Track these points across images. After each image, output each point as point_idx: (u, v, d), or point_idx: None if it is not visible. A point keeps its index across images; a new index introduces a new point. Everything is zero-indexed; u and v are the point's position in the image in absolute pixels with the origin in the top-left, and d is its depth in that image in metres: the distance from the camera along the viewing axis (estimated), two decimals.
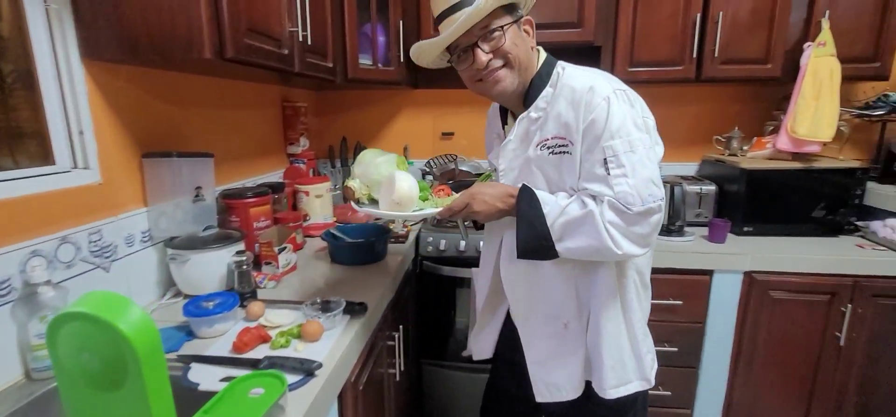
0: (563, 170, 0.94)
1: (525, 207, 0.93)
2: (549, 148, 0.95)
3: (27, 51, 0.93)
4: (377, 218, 0.89)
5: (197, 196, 1.25)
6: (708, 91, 2.11)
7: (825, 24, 1.65)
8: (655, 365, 1.07)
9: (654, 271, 1.60)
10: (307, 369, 0.85)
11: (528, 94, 0.98)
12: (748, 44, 1.73)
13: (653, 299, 1.60)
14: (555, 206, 0.92)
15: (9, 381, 0.83)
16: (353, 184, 1.08)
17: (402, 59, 1.90)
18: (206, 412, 0.66)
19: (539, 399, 1.09)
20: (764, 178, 1.76)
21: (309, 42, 1.34)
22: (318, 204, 1.76)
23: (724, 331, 1.68)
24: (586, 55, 1.98)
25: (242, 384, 0.74)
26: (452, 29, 0.91)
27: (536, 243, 0.92)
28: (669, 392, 1.75)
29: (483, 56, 0.93)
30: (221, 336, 1.00)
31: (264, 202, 1.45)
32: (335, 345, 0.96)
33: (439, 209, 0.99)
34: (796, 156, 1.76)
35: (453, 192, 1.07)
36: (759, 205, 1.78)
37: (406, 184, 0.98)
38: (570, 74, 0.96)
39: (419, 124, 2.32)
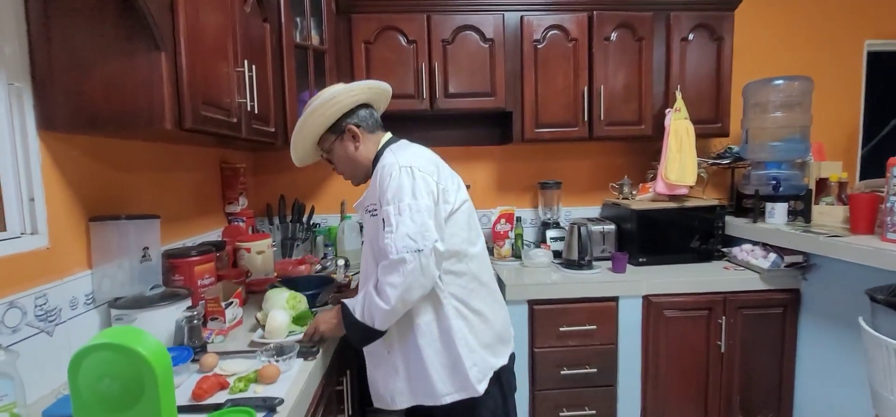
0: (376, 229, 1.22)
1: (345, 316, 1.23)
2: (369, 211, 1.28)
3: None
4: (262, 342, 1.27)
5: (144, 256, 1.28)
6: (601, 146, 2.52)
7: (678, 94, 2.12)
8: (485, 380, 1.24)
9: (570, 301, 1.88)
10: (270, 405, 0.93)
11: (371, 170, 1.30)
12: (625, 110, 2.16)
13: (570, 326, 1.87)
14: (357, 303, 1.21)
15: None
16: (259, 314, 1.40)
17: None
18: None
19: (375, 404, 1.35)
20: (651, 217, 2.13)
21: (255, 111, 1.47)
22: (260, 259, 1.81)
23: (633, 349, 1.95)
24: (501, 119, 2.31)
25: None
26: (294, 157, 1.35)
27: (362, 334, 1.21)
28: (594, 412, 1.96)
29: (331, 167, 1.38)
30: (177, 388, 1.03)
31: (208, 260, 1.50)
32: (292, 385, 1.05)
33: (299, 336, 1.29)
34: (672, 198, 2.16)
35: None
36: (648, 239, 2.13)
37: (276, 321, 1.30)
38: (385, 155, 1.26)
39: None
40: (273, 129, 1.72)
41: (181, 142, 1.60)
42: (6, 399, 0.86)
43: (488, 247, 1.71)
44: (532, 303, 1.90)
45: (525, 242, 2.41)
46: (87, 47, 1.03)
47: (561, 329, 1.91)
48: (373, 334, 1.21)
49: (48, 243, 1.07)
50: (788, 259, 1.92)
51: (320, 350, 1.22)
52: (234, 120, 1.37)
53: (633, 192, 2.31)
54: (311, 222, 2.32)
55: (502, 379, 1.31)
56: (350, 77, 2.10)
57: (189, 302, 1.28)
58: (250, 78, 1.43)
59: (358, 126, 1.29)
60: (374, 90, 1.33)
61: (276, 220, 2.24)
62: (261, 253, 1.82)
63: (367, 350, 1.31)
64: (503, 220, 2.30)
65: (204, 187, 1.91)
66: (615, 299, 1.93)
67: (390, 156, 1.24)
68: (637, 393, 1.98)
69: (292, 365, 1.13)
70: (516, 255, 2.31)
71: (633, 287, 1.93)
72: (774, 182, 2.06)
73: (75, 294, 1.14)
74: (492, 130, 2.47)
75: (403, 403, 1.28)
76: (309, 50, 1.94)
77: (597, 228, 2.21)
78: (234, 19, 1.37)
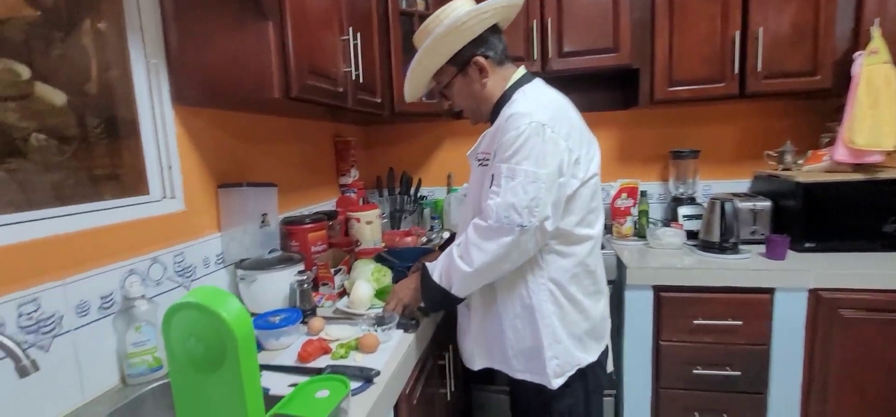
0: (485, 181, 1.08)
1: (423, 279, 1.15)
2: (478, 160, 1.13)
3: (132, 101, 1.08)
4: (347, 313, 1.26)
5: (263, 222, 1.37)
6: (753, 106, 2.07)
7: (876, 31, 1.60)
8: (564, 376, 1.10)
9: (707, 289, 1.59)
10: (367, 376, 0.91)
11: (493, 112, 1.13)
12: (792, 57, 1.71)
13: (707, 319, 1.58)
14: (436, 265, 1.12)
15: (108, 386, 0.94)
16: (347, 282, 1.41)
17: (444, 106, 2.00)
18: (282, 407, 0.72)
19: (465, 363, 1.27)
20: (825, 192, 1.69)
21: (360, 80, 1.46)
22: (369, 230, 1.85)
23: (792, 353, 1.59)
24: (626, 78, 2.02)
25: (309, 386, 0.80)
26: (406, 91, 1.18)
27: (438, 298, 1.11)
28: None
29: (446, 102, 1.20)
30: (286, 348, 1.08)
31: (321, 228, 1.55)
32: (390, 357, 1.01)
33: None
34: (858, 168, 1.68)
35: None
36: (820, 220, 1.70)
37: (359, 292, 1.26)
38: (516, 97, 1.08)
39: (461, 153, 2.40)
40: (379, 100, 1.72)
41: (295, 114, 1.67)
42: (148, 343, 0.96)
43: (606, 225, 1.51)
44: (658, 290, 1.65)
45: (650, 220, 2.12)
46: (208, 23, 1.08)
47: (694, 322, 1.63)
48: (449, 299, 1.10)
49: (184, 206, 1.18)
50: None
51: (420, 323, 1.17)
52: (341, 89, 1.37)
53: (798, 162, 1.86)
54: (419, 195, 2.32)
55: (588, 377, 1.14)
56: None
57: (302, 267, 1.33)
58: (355, 46, 1.42)
59: (486, 57, 1.10)
60: (506, 6, 1.09)
61: (385, 192, 2.28)
62: (370, 223, 1.85)
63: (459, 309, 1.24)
64: (625, 195, 2.04)
65: (319, 159, 2.00)
66: (770, 291, 1.58)
67: (523, 101, 1.04)
68: (796, 407, 1.62)
69: (392, 336, 1.10)
70: (639, 234, 2.03)
71: (797, 277, 1.55)
72: None
73: (207, 254, 1.25)
74: (613, 93, 2.18)
75: (480, 364, 1.20)
76: (415, 16, 1.89)
77: (746, 205, 1.83)
78: None
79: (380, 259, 1.56)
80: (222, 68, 1.09)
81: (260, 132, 1.54)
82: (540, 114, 1.00)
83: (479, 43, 1.09)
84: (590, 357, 1.15)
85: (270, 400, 0.84)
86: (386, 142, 2.48)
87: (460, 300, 1.12)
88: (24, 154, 0.86)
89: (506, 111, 1.04)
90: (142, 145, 1.10)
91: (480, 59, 1.09)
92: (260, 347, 1.08)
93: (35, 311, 0.79)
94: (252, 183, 1.33)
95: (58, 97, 0.93)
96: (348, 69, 1.40)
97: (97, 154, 1.00)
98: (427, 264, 1.15)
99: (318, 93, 1.23)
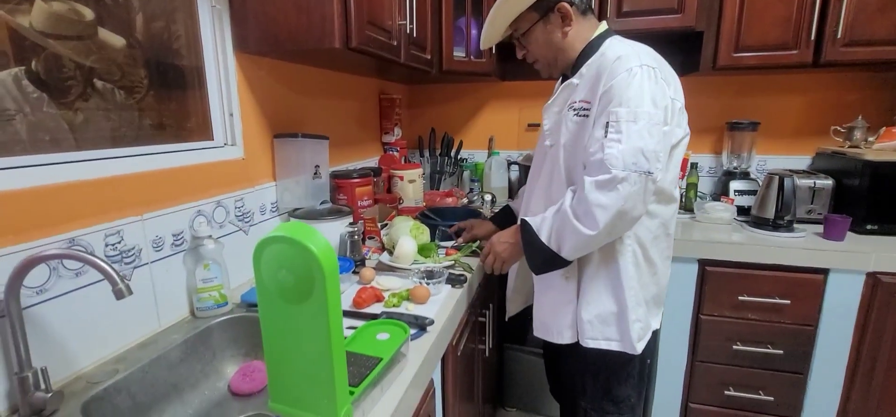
0: (580, 132, 1.02)
1: (525, 236, 1.07)
2: (574, 110, 1.05)
3: (198, 49, 1.11)
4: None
5: (315, 174, 1.40)
6: (825, 77, 1.94)
7: None
8: (644, 339, 1.11)
9: (756, 266, 1.54)
10: (422, 324, 0.94)
11: (577, 63, 1.08)
12: (880, 23, 1.57)
13: (752, 296, 1.55)
14: (544, 223, 1.03)
15: (180, 317, 1.01)
16: (385, 238, 1.43)
17: (493, 51, 1.96)
18: (347, 345, 0.76)
19: (535, 332, 1.23)
20: (893, 172, 1.59)
21: (414, 35, 1.45)
22: (411, 188, 1.87)
23: (840, 336, 1.55)
24: (686, 41, 1.92)
25: (370, 328, 0.84)
26: (483, 37, 1.11)
27: (543, 258, 1.04)
28: (772, 398, 1.64)
29: (520, 51, 1.14)
30: (342, 294, 1.12)
31: (367, 183, 1.58)
32: (441, 308, 1.04)
33: (447, 262, 1.28)
34: None
35: (457, 252, 1.37)
36: (886, 202, 1.60)
37: (405, 247, 1.27)
38: (610, 44, 1.03)
39: (505, 116, 2.37)
40: (429, 56, 1.70)
41: (346, 69, 1.68)
42: (215, 280, 1.02)
43: None
44: (704, 263, 1.62)
45: (699, 193, 2.05)
46: None
47: (739, 298, 1.59)
48: (557, 262, 1.04)
49: (243, 154, 1.22)
50: None
51: (467, 279, 1.19)
52: (395, 43, 1.36)
53: (870, 139, 1.75)
54: (459, 157, 2.32)
55: (651, 344, 1.15)
56: None
57: (351, 219, 1.36)
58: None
59: (571, 4, 1.05)
60: None
61: (426, 153, 2.29)
62: (412, 182, 1.87)
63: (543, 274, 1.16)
64: None
65: (365, 115, 2.01)
66: (823, 272, 1.52)
67: (622, 45, 1.01)
68: (837, 390, 1.59)
69: (441, 290, 1.13)
70: (687, 207, 1.98)
71: (855, 260, 1.49)
72: None
73: (263, 201, 1.29)
74: (672, 57, 2.01)
75: (568, 337, 1.15)
76: None
77: (805, 182, 1.75)
78: None
79: (423, 216, 1.58)
80: (284, 15, 1.10)
81: (313, 85, 1.55)
82: (647, 57, 0.97)
83: None
84: (656, 322, 1.16)
85: None
86: (429, 102, 2.47)
87: (568, 263, 1.05)
88: (102, 95, 0.89)
89: (609, 54, 1.00)
90: (207, 91, 1.14)
91: (566, 5, 1.04)
92: None
93: (118, 242, 0.85)
94: (307, 134, 1.36)
95: (117, 40, 0.96)
96: (403, 22, 1.39)
97: (166, 98, 1.04)
98: (529, 220, 1.07)
99: (375, 44, 1.23)
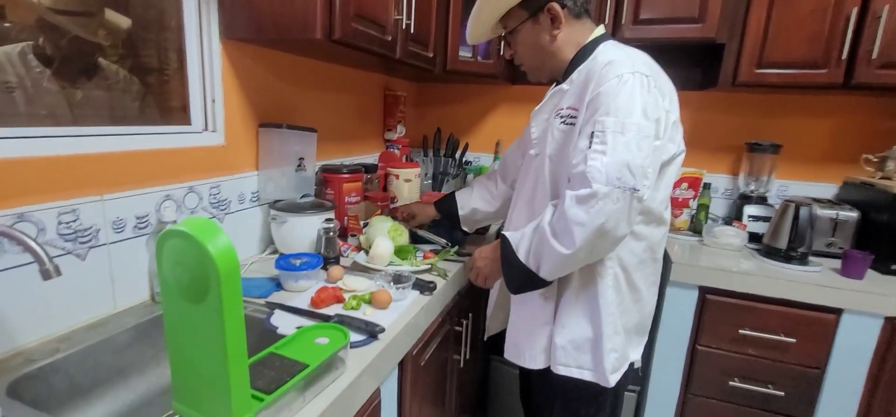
0: (566, 141, 0.96)
1: (503, 252, 1.01)
2: (561, 117, 0.99)
3: (180, 31, 1.11)
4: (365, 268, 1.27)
5: (299, 166, 1.38)
6: (856, 101, 1.79)
7: None
8: (619, 372, 1.03)
9: (761, 299, 1.44)
10: (371, 331, 0.90)
11: (569, 68, 1.02)
12: None
13: (755, 330, 1.44)
14: (523, 240, 0.97)
15: (138, 300, 1.01)
16: (362, 237, 1.41)
17: (502, 53, 1.90)
18: (277, 348, 0.73)
19: (506, 355, 1.16)
20: None
21: (411, 31, 1.41)
22: (407, 188, 1.84)
23: (850, 384, 1.42)
24: (705, 53, 1.81)
25: (310, 332, 0.81)
26: (468, 32, 1.05)
27: (521, 278, 0.98)
28: None
29: (508, 51, 1.07)
30: (304, 291, 1.10)
31: (357, 179, 1.56)
32: (401, 316, 1.01)
33: (424, 266, 1.26)
34: None
35: (435, 256, 1.34)
36: None
37: (380, 248, 1.26)
38: (602, 49, 0.96)
39: (514, 120, 2.31)
40: (431, 54, 1.66)
41: (344, 62, 1.66)
42: None
43: None
44: (705, 291, 1.51)
45: (710, 215, 1.94)
46: None
47: (741, 331, 1.48)
48: (535, 282, 0.97)
49: (224, 141, 1.21)
50: None
51: (437, 288, 1.15)
52: (388, 38, 1.33)
53: None
54: (464, 159, 2.27)
55: (628, 378, 1.08)
56: None
57: (331, 215, 1.34)
58: None
59: (563, 5, 0.98)
60: None
61: (430, 153, 2.25)
62: (408, 181, 1.83)
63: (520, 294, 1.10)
64: (685, 185, 1.87)
65: (367, 111, 2.00)
66: (837, 312, 1.40)
67: (616, 51, 0.94)
68: None
69: (406, 296, 1.09)
70: (695, 229, 1.87)
71: (873, 301, 1.36)
72: None
73: (243, 190, 1.29)
74: (690, 71, 1.97)
75: (541, 362, 1.07)
76: None
77: (826, 213, 1.61)
78: None
79: None
80: (269, 3, 1.08)
81: (308, 76, 1.54)
82: (640, 65, 0.90)
83: None
84: (635, 354, 1.08)
85: (276, 338, 0.87)
86: (437, 101, 2.43)
87: (547, 284, 0.98)
88: (88, 74, 0.90)
89: (600, 59, 0.93)
90: (187, 76, 1.13)
91: (556, 6, 0.98)
92: (280, 287, 1.12)
93: (73, 221, 0.85)
94: (292, 125, 1.34)
95: (123, 22, 0.97)
96: (399, 17, 1.35)
97: (146, 81, 1.04)
98: (508, 235, 1.00)
99: (363, 38, 1.20)
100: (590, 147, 0.86)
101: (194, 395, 0.58)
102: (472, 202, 1.41)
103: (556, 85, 1.09)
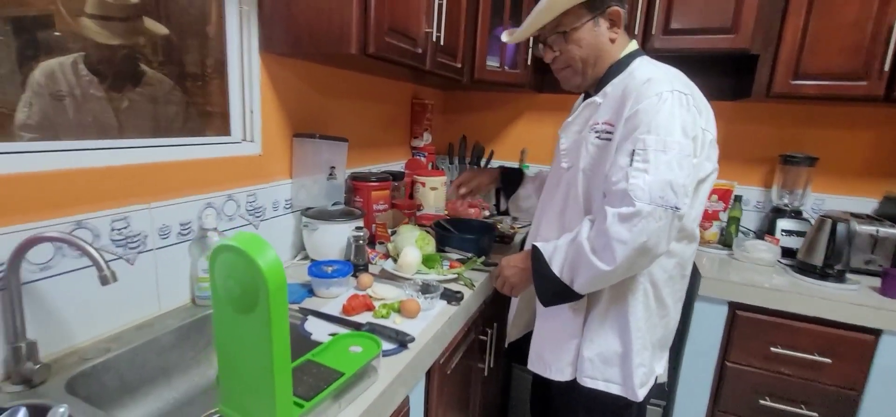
0: (602, 157, 0.96)
1: (535, 263, 1.00)
2: (596, 132, 0.99)
3: (223, 45, 1.16)
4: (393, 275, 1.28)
5: (330, 174, 1.42)
6: None
7: None
8: (647, 386, 1.05)
9: (795, 317, 1.41)
10: (401, 340, 0.93)
11: (602, 80, 1.02)
12: None
13: (787, 349, 1.41)
14: (556, 252, 0.97)
15: (180, 302, 1.06)
16: (390, 246, 1.44)
17: (529, 63, 1.91)
18: (314, 355, 0.76)
19: (529, 365, 1.17)
20: None
21: (441, 43, 1.43)
22: (433, 195, 1.86)
23: (889, 406, 1.37)
24: (738, 63, 1.78)
25: (344, 340, 0.84)
26: (521, 29, 1.01)
27: (553, 290, 0.98)
28: None
29: (549, 54, 1.03)
30: (335, 298, 1.13)
31: (385, 187, 1.59)
32: (429, 325, 1.03)
33: (450, 276, 1.27)
34: None
35: (461, 265, 1.34)
36: None
37: (409, 257, 1.27)
38: (639, 65, 0.96)
39: (540, 129, 2.31)
40: (459, 65, 1.68)
41: (375, 72, 1.70)
42: None
43: None
44: (735, 306, 1.49)
45: (741, 228, 1.90)
46: None
47: (772, 349, 1.45)
48: (567, 295, 0.97)
49: (260, 151, 1.26)
50: None
51: (464, 297, 1.17)
52: (420, 50, 1.36)
53: None
54: (489, 167, 2.28)
55: (652, 392, 1.08)
56: None
57: (361, 223, 1.38)
58: (440, 6, 1.38)
59: (621, 9, 0.99)
60: None
61: (456, 160, 2.27)
62: (434, 189, 1.86)
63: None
64: (715, 197, 1.84)
65: (394, 119, 2.03)
66: (876, 332, 1.36)
67: (653, 68, 0.95)
68: None
69: (434, 305, 1.11)
70: (725, 243, 1.84)
71: None
72: None
73: (277, 198, 1.33)
74: (720, 80, 1.93)
75: (567, 374, 1.08)
76: None
77: (866, 229, 1.56)
78: None
79: (438, 226, 1.57)
80: (306, 18, 1.12)
81: (339, 86, 1.58)
82: (678, 83, 0.91)
83: None
84: (660, 368, 1.09)
85: (310, 344, 0.90)
86: (463, 109, 2.45)
87: (579, 297, 0.98)
88: (133, 83, 0.96)
89: (638, 75, 0.94)
90: (228, 88, 1.19)
91: (618, 10, 0.98)
92: (311, 293, 1.15)
93: (125, 228, 0.91)
94: (324, 135, 1.38)
95: (160, 29, 1.03)
96: (430, 30, 1.38)
97: (188, 91, 1.10)
98: (540, 246, 1.00)
99: (396, 52, 1.23)
100: (631, 164, 0.87)
101: (240, 400, 0.61)
102: (534, 191, 1.38)
103: (586, 97, 1.10)
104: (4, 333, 0.73)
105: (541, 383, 1.24)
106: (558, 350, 1.09)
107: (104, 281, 0.70)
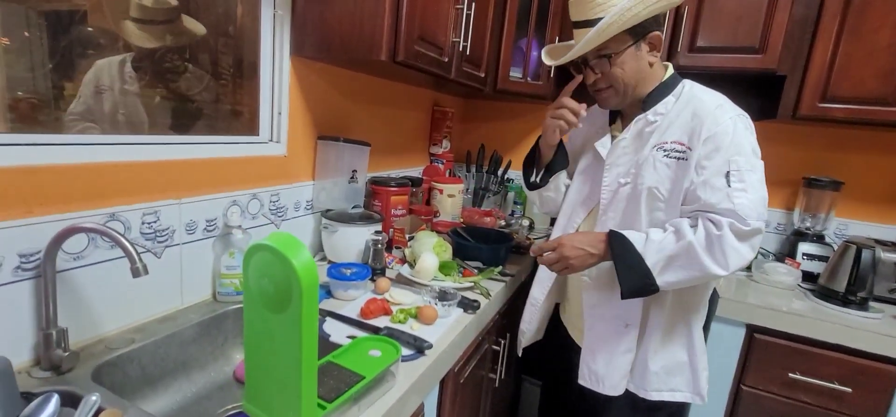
0: (677, 176, 0.99)
1: (620, 251, 0.99)
2: (665, 151, 1.01)
3: (256, 48, 1.19)
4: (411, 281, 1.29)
5: (352, 177, 1.44)
6: None
7: None
8: (707, 384, 1.12)
9: (815, 343, 1.39)
10: (419, 346, 0.93)
11: (648, 100, 1.05)
12: None
13: (807, 376, 1.39)
14: (650, 245, 0.97)
15: (202, 297, 1.08)
16: (407, 251, 1.45)
17: (552, 74, 1.91)
18: (335, 357, 0.77)
19: (580, 380, 1.15)
20: None
21: (467, 52, 1.45)
22: (450, 203, 1.87)
23: None
24: (766, 86, 1.75)
25: (364, 343, 0.84)
26: (571, 52, 1.02)
27: (640, 283, 0.97)
28: None
29: (591, 76, 1.06)
30: (353, 300, 1.14)
31: (404, 193, 1.60)
32: (446, 333, 1.03)
33: (466, 284, 1.28)
34: None
35: (476, 274, 1.36)
36: None
37: (426, 263, 1.28)
38: (696, 90, 1.04)
39: None
40: (483, 75, 1.69)
41: (399, 78, 1.71)
42: (238, 268, 1.08)
43: None
44: (753, 329, 1.46)
45: (761, 250, 1.87)
46: None
47: (791, 375, 1.42)
48: (648, 288, 0.97)
49: (286, 152, 1.28)
50: None
51: (480, 306, 1.17)
52: (446, 59, 1.37)
53: None
54: (506, 176, 2.28)
55: (684, 408, 1.17)
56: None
57: (380, 227, 1.39)
58: (468, 16, 1.39)
59: (660, 37, 1.03)
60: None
61: (473, 168, 2.28)
62: (451, 196, 1.87)
63: (596, 314, 1.11)
64: None
65: (415, 125, 2.05)
66: None
67: (706, 94, 1.01)
68: None
69: (451, 313, 1.11)
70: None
71: None
72: None
73: (299, 198, 1.35)
74: (745, 100, 1.87)
75: (619, 390, 1.09)
76: None
77: (891, 256, 1.53)
78: None
79: (454, 233, 1.58)
80: (339, 24, 1.15)
81: (363, 91, 1.60)
82: (735, 108, 0.99)
83: (655, 21, 1.01)
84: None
85: (329, 346, 0.91)
86: (483, 117, 2.46)
87: (656, 291, 0.97)
88: (167, 81, 0.99)
89: (707, 100, 0.99)
90: (259, 89, 1.21)
91: (659, 35, 1.01)
92: (330, 294, 1.16)
93: (154, 221, 0.93)
94: (348, 139, 1.40)
95: (199, 28, 1.05)
96: (457, 40, 1.39)
97: (221, 91, 1.12)
98: (631, 237, 0.98)
99: (423, 60, 1.24)
100: (729, 185, 0.93)
101: (265, 398, 0.62)
102: (559, 193, 1.32)
103: (614, 116, 1.15)
104: (37, 320, 0.75)
105: (548, 390, 1.25)
106: (611, 367, 1.10)
107: (136, 273, 0.72)
